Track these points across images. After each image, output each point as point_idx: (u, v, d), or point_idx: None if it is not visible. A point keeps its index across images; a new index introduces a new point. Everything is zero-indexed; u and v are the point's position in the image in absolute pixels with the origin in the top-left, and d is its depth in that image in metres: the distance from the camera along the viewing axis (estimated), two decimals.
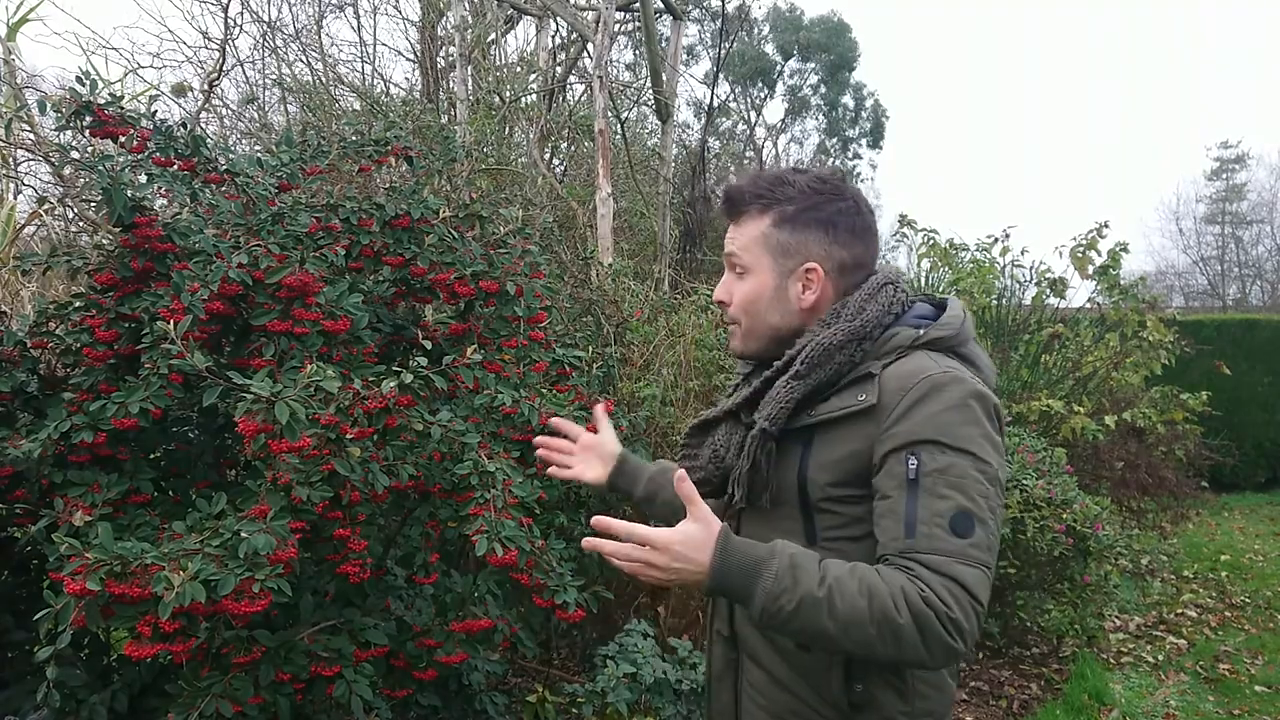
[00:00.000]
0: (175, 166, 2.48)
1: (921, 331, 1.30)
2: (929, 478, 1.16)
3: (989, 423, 1.21)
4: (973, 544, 1.14)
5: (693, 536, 1.15)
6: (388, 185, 3.55)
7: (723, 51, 8.89)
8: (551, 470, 1.72)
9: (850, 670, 1.25)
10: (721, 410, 1.40)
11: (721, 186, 1.46)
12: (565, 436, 1.74)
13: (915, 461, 1.17)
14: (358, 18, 8.02)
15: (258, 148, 6.30)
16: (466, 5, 6.85)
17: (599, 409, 1.74)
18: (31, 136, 3.55)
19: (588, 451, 1.70)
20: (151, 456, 2.43)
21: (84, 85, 2.31)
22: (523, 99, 6.73)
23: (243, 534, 1.85)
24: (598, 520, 1.17)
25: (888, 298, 1.33)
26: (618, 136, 7.27)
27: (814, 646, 1.25)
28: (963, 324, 1.32)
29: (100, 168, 2.24)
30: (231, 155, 2.62)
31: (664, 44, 8.07)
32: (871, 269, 1.38)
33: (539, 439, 1.74)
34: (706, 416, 1.44)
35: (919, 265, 6.80)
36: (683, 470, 1.16)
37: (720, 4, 9.90)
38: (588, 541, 1.18)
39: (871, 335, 1.30)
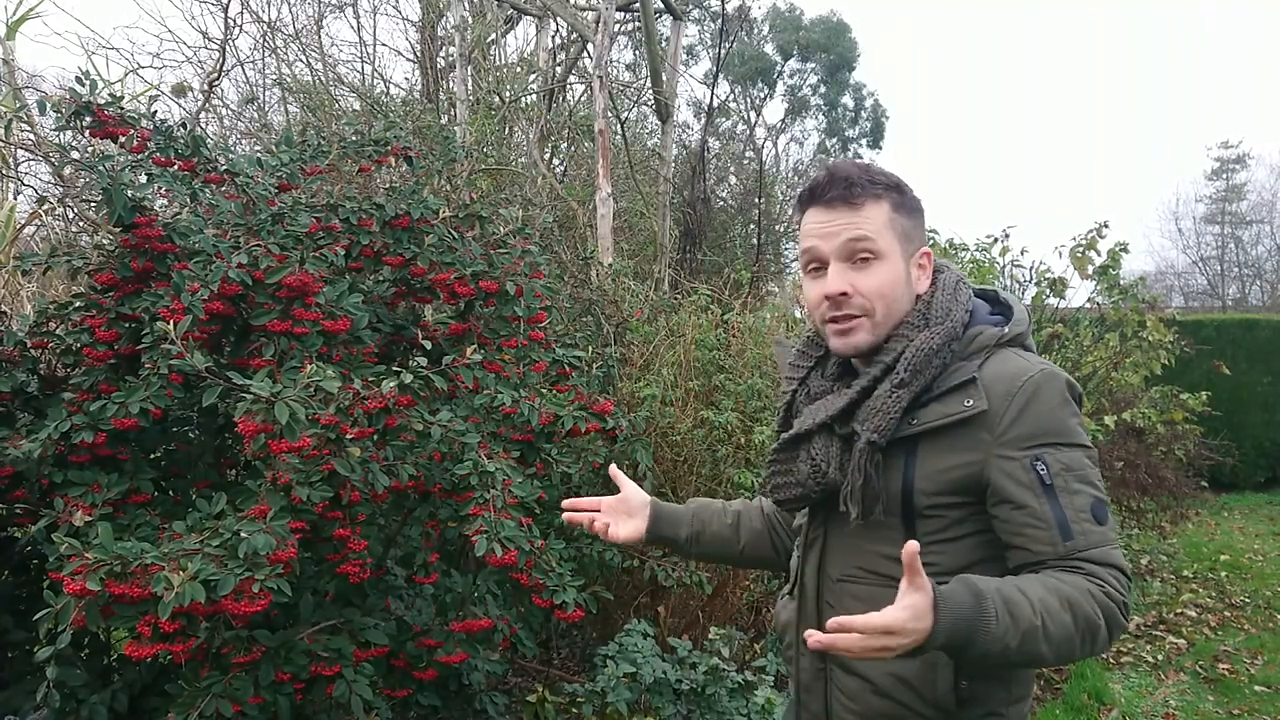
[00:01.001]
0: (175, 166, 2.48)
1: (1005, 330, 1.31)
2: (1060, 478, 1.19)
3: (1078, 408, 1.26)
4: (1111, 526, 1.20)
5: (918, 607, 1.10)
6: (388, 185, 3.55)
7: (723, 51, 8.87)
8: (594, 528, 1.59)
9: (959, 667, 1.24)
10: (815, 423, 1.33)
11: (822, 173, 1.35)
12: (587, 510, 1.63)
13: (1044, 466, 1.19)
14: (358, 18, 8.03)
15: (258, 148, 6.30)
16: (466, 5, 6.85)
17: (613, 470, 1.65)
18: (31, 136, 3.55)
19: (614, 513, 1.60)
20: (151, 456, 2.43)
21: (84, 85, 2.32)
22: (523, 99, 6.73)
23: (243, 534, 1.85)
24: (834, 622, 1.09)
25: (965, 295, 1.33)
26: (618, 136, 7.28)
27: (1014, 667, 1.24)
28: (1029, 319, 1.35)
29: (100, 168, 2.25)
30: (231, 155, 2.62)
31: (664, 44, 8.06)
32: None
33: (567, 516, 1.61)
34: (798, 431, 1.36)
35: None
36: (915, 543, 1.07)
37: (720, 4, 9.91)
38: (819, 641, 1.07)
39: (959, 336, 1.30)
